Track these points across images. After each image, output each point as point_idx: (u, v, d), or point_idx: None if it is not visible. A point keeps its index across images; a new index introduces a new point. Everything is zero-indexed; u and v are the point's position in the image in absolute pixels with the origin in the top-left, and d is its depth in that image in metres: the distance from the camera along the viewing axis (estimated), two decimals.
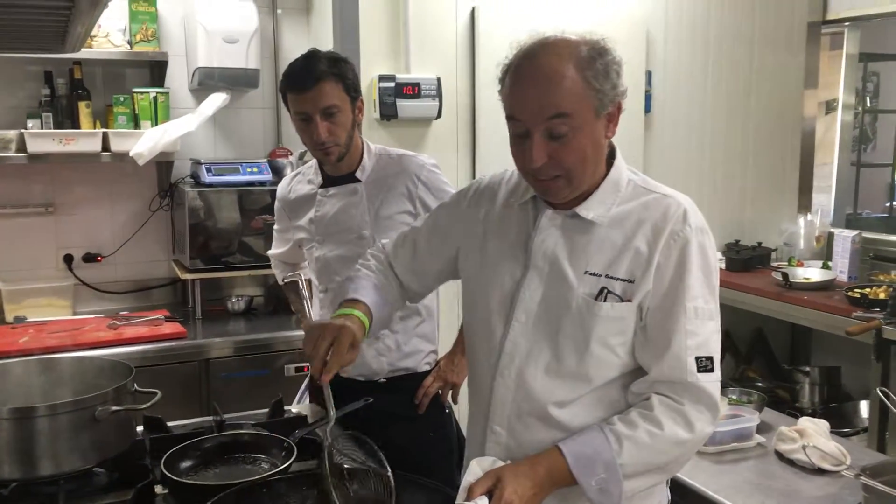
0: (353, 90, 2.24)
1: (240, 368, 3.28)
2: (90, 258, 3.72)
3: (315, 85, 2.16)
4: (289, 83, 2.21)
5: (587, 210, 1.54)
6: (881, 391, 1.95)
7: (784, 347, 4.63)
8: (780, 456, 2.13)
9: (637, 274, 1.49)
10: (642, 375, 1.52)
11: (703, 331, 1.47)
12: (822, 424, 2.14)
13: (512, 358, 1.57)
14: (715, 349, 1.48)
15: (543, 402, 1.54)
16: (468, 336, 1.73)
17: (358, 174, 2.34)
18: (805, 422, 2.15)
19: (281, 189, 2.54)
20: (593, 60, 1.44)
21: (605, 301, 1.49)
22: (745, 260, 4.23)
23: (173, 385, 3.03)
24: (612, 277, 1.49)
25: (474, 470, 1.45)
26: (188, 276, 3.55)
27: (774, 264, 4.30)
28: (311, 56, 2.22)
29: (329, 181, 2.37)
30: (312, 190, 2.41)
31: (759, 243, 4.45)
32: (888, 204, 6.07)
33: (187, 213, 3.49)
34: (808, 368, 4.18)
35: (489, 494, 1.39)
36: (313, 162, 2.44)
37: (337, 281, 2.36)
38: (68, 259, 3.70)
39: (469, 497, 1.39)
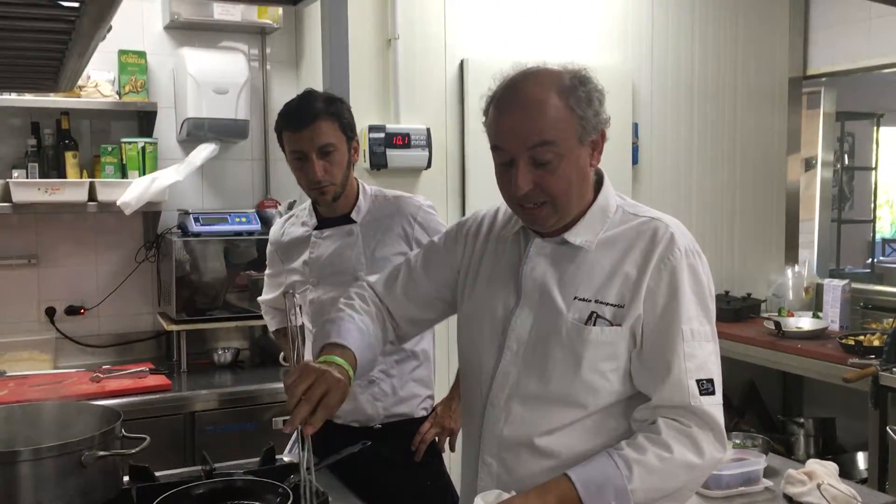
0: (349, 130, 2.23)
1: (226, 421, 3.19)
2: (73, 311, 3.64)
3: (311, 123, 2.15)
4: (285, 122, 2.19)
5: (575, 236, 1.53)
6: (892, 429, 1.90)
7: (776, 399, 4.59)
8: (790, 500, 2.07)
9: (627, 298, 1.48)
10: (640, 402, 1.49)
11: (700, 353, 1.45)
12: (831, 466, 2.09)
13: (503, 387, 1.55)
14: (715, 371, 1.47)
15: (530, 432, 1.51)
16: (462, 367, 1.71)
17: (353, 215, 2.31)
18: (813, 464, 2.10)
19: (274, 232, 2.50)
20: (575, 88, 1.45)
21: (594, 325, 1.47)
22: (735, 310, 4.22)
23: (159, 438, 2.90)
24: (601, 302, 1.48)
25: None
26: (174, 328, 3.48)
27: (764, 315, 4.29)
28: (308, 95, 2.21)
29: (324, 223, 2.34)
30: (307, 232, 2.37)
31: (749, 294, 4.44)
32: (870, 260, 6.13)
33: (174, 263, 3.43)
34: (801, 420, 4.13)
35: None
36: (307, 204, 2.41)
37: None
38: (50, 312, 3.61)
39: None
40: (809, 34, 4.67)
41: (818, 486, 1.91)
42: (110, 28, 1.60)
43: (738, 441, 2.37)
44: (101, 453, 1.78)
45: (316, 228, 2.35)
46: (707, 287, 1.51)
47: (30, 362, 3.48)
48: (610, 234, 1.53)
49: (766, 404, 4.51)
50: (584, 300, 1.49)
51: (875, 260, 6.15)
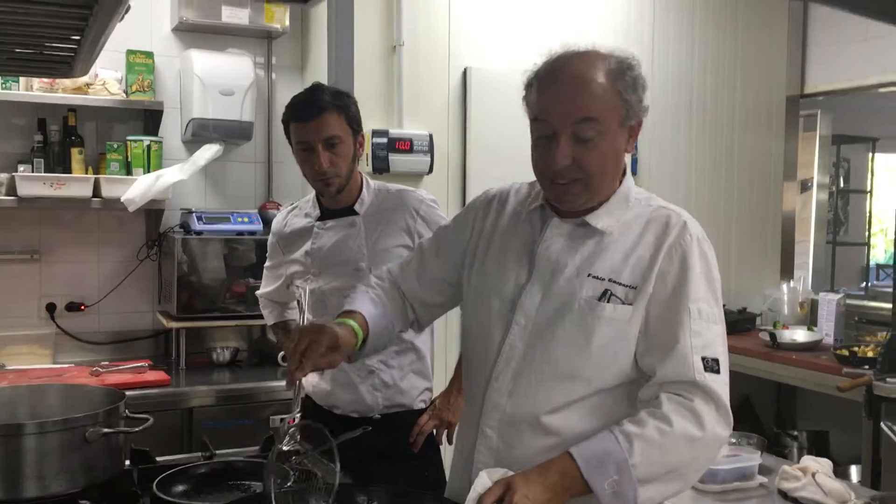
0: (355, 123, 2.27)
1: (224, 417, 3.20)
2: (73, 307, 3.66)
3: (319, 115, 2.18)
4: (292, 113, 2.23)
5: (597, 220, 1.56)
6: (886, 425, 1.93)
7: (770, 412, 4.61)
8: (784, 495, 2.10)
9: (639, 281, 1.51)
10: (643, 386, 1.51)
11: (708, 333, 1.48)
12: (826, 463, 2.12)
13: (508, 362, 1.56)
14: (721, 352, 1.49)
15: (536, 409, 1.53)
16: (465, 342, 1.72)
17: (356, 207, 2.35)
18: (808, 460, 2.13)
19: (276, 223, 2.54)
20: (623, 72, 1.49)
21: (608, 302, 1.50)
22: (731, 323, 4.18)
23: (157, 433, 2.94)
24: (615, 282, 1.51)
25: (483, 480, 1.42)
26: (175, 325, 3.49)
27: (760, 327, 4.32)
28: (316, 88, 2.26)
29: (327, 214, 2.37)
30: (309, 223, 2.40)
31: (745, 308, 4.47)
32: (864, 284, 6.16)
33: (176, 261, 3.46)
34: (795, 433, 4.15)
35: (500, 502, 1.36)
36: (311, 196, 2.45)
37: (333, 314, 2.33)
38: (51, 307, 3.63)
39: None
40: (807, 53, 4.74)
41: (813, 475, 1.94)
42: (128, 8, 1.64)
43: (733, 440, 2.39)
44: (105, 430, 1.80)
45: (319, 220, 2.38)
46: (715, 272, 1.54)
47: (29, 357, 3.49)
48: (625, 220, 1.56)
49: (759, 418, 4.52)
50: (597, 278, 1.51)
51: (869, 284, 6.19)
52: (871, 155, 6.24)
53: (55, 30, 1.66)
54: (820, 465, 2.09)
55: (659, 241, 1.52)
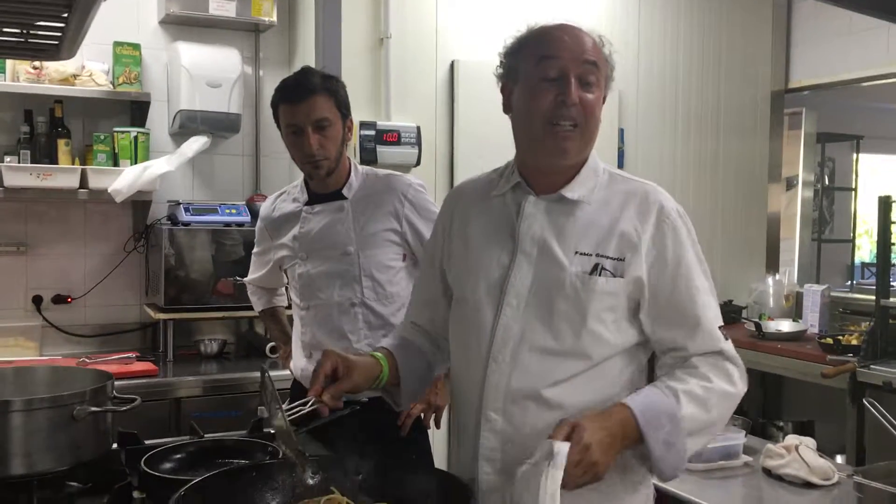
0: (344, 107, 2.28)
1: (212, 408, 3.20)
2: (60, 299, 3.65)
3: (309, 97, 2.19)
4: (282, 95, 2.24)
5: (572, 191, 1.58)
6: (868, 401, 1.95)
7: (756, 404, 4.63)
8: (769, 473, 2.12)
9: (627, 254, 1.54)
10: (637, 355, 1.59)
11: (713, 304, 1.58)
12: (809, 441, 2.14)
13: (505, 342, 1.57)
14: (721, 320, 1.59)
15: (538, 384, 1.54)
16: (454, 329, 1.71)
17: (345, 191, 2.36)
18: (792, 438, 2.15)
19: (264, 208, 2.55)
20: (603, 44, 1.58)
21: (599, 276, 1.52)
22: None
23: (145, 422, 2.93)
24: (602, 256, 1.54)
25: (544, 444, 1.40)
26: (162, 317, 3.49)
27: (745, 318, 4.35)
28: (306, 71, 2.27)
29: (315, 199, 2.38)
30: (298, 207, 2.41)
31: (730, 301, 4.50)
32: (849, 282, 6.20)
33: (164, 252, 3.46)
34: (781, 423, 4.17)
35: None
36: (299, 181, 2.45)
37: (321, 298, 2.34)
38: (37, 300, 3.62)
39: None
40: (791, 48, 4.78)
41: (796, 447, 1.96)
42: None
43: None
44: (93, 409, 1.79)
45: (307, 204, 2.39)
46: (697, 242, 1.61)
47: (15, 349, 3.48)
48: (603, 194, 1.59)
49: (746, 410, 4.55)
50: (585, 254, 1.54)
51: (854, 282, 6.23)
52: (855, 154, 6.31)
53: (43, 6, 1.66)
54: (803, 443, 2.11)
55: (642, 215, 1.55)
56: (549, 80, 1.52)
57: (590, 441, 1.36)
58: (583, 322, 1.52)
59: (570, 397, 1.52)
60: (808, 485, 2.04)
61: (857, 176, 6.36)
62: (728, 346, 1.55)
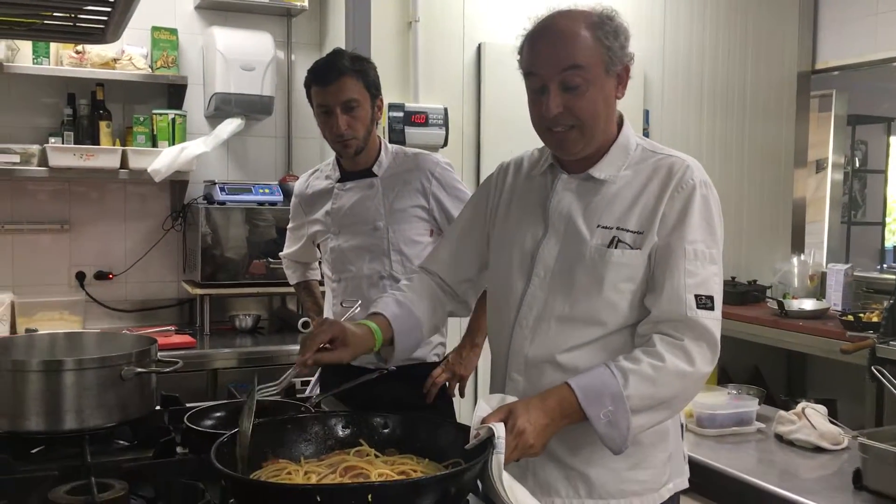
0: (373, 88, 2.38)
1: (247, 379, 3.31)
2: (102, 276, 3.81)
3: (338, 79, 2.29)
4: (313, 77, 2.34)
5: (599, 171, 1.66)
6: (876, 369, 2.02)
7: (780, 383, 4.69)
8: (780, 439, 2.20)
9: (646, 226, 1.60)
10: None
11: (703, 272, 1.56)
12: (821, 409, 2.21)
13: (531, 309, 1.67)
14: (716, 290, 1.57)
15: (554, 349, 1.63)
16: (490, 296, 1.82)
17: (375, 169, 2.46)
18: (805, 406, 2.22)
19: (298, 185, 2.66)
20: (603, 23, 1.60)
21: (616, 248, 1.59)
22: (741, 293, 4.33)
23: (183, 391, 3.07)
24: (622, 229, 1.61)
25: (482, 406, 1.52)
26: (199, 292, 3.63)
27: (769, 298, 4.40)
28: (336, 53, 2.37)
29: (346, 176, 2.49)
30: (330, 185, 2.52)
31: (755, 280, 4.55)
32: (880, 266, 6.18)
33: (200, 231, 3.59)
34: (803, 401, 4.22)
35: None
36: (331, 159, 2.56)
37: (351, 271, 2.45)
38: (80, 276, 3.78)
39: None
40: (818, 29, 4.79)
41: (803, 410, 2.03)
42: None
43: (733, 391, 2.49)
44: (139, 370, 1.92)
45: (339, 181, 2.49)
46: (716, 215, 1.62)
47: (60, 322, 3.64)
48: (631, 171, 1.66)
49: (769, 388, 4.60)
50: (606, 227, 1.62)
51: (885, 265, 6.20)
52: (887, 134, 6.26)
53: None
54: (815, 411, 2.19)
55: (663, 187, 1.61)
56: (536, 91, 1.61)
57: (524, 427, 1.43)
58: (599, 291, 1.59)
59: (582, 361, 1.60)
60: (819, 449, 2.11)
61: (887, 157, 6.32)
62: (700, 315, 1.53)
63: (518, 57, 1.67)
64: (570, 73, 1.56)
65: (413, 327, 1.84)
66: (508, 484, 1.41)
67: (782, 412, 2.23)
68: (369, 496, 1.23)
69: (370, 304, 2.44)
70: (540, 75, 1.59)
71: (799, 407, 2.21)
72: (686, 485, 1.73)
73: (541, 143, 1.73)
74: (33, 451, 1.85)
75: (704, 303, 1.55)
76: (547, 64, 1.57)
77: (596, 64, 1.57)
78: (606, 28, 1.59)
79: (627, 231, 1.60)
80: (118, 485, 1.56)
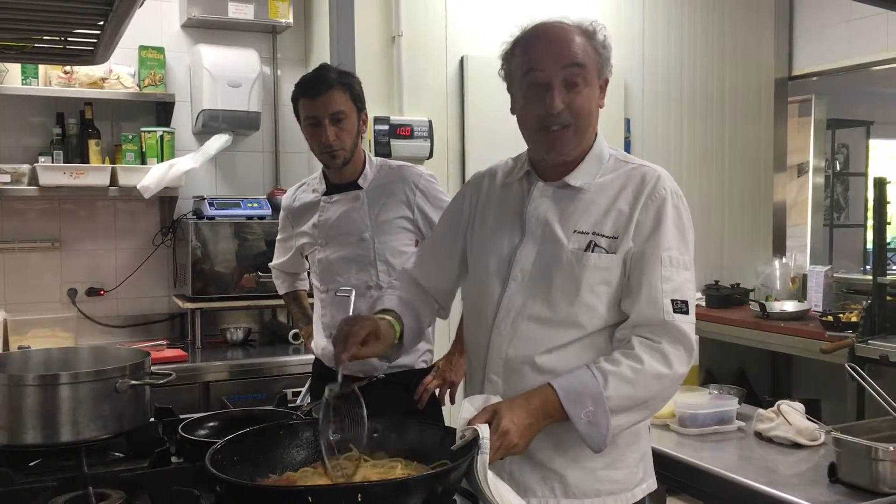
0: (359, 101, 2.44)
1: (239, 392, 3.37)
2: (93, 292, 3.85)
3: (326, 91, 2.36)
4: (302, 90, 2.40)
5: (575, 179, 1.72)
6: (849, 366, 2.09)
7: (765, 385, 4.75)
8: (760, 436, 2.26)
9: (620, 231, 1.67)
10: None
11: (677, 277, 1.63)
12: (798, 406, 2.28)
13: (508, 312, 1.72)
14: (690, 295, 1.64)
15: (532, 351, 1.68)
16: (468, 301, 1.88)
17: (360, 182, 2.51)
18: (782, 404, 2.28)
19: (286, 199, 2.72)
20: (594, 33, 1.70)
21: (593, 252, 1.66)
22: (724, 297, 4.41)
23: (176, 405, 3.11)
24: (598, 234, 1.67)
25: (467, 407, 1.57)
26: (190, 306, 3.67)
27: (752, 300, 4.47)
28: (323, 67, 2.44)
29: (332, 189, 2.54)
30: (316, 197, 2.58)
31: (737, 284, 4.63)
32: (863, 268, 6.26)
33: (190, 245, 3.64)
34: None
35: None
36: (317, 173, 2.62)
37: (338, 281, 2.50)
38: (72, 293, 3.82)
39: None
40: (794, 36, 4.89)
41: (779, 407, 2.09)
42: None
43: (714, 391, 2.55)
44: (133, 382, 1.97)
45: (325, 194, 2.55)
46: (687, 223, 1.70)
47: (52, 339, 3.67)
48: (605, 179, 1.72)
49: (754, 389, 4.67)
50: (582, 232, 1.68)
51: (867, 267, 6.27)
52: (867, 139, 6.36)
53: (81, 15, 1.82)
54: (793, 409, 2.25)
55: (637, 195, 1.68)
56: (536, 89, 1.66)
57: (507, 427, 1.49)
58: (577, 293, 1.65)
59: (560, 363, 1.65)
60: (797, 445, 2.18)
61: (867, 160, 6.41)
62: (678, 320, 1.59)
63: (502, 63, 1.74)
64: (571, 69, 1.63)
65: (417, 323, 1.89)
66: (493, 483, 1.46)
67: (761, 410, 2.29)
68: (359, 496, 1.28)
69: (358, 310, 2.50)
70: (544, 70, 1.64)
71: (776, 405, 2.27)
72: (655, 486, 1.78)
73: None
74: (31, 463, 1.90)
75: (680, 307, 1.61)
76: (550, 60, 1.64)
77: (592, 66, 1.66)
78: (598, 37, 1.68)
79: (603, 236, 1.66)
80: (115, 494, 1.62)
